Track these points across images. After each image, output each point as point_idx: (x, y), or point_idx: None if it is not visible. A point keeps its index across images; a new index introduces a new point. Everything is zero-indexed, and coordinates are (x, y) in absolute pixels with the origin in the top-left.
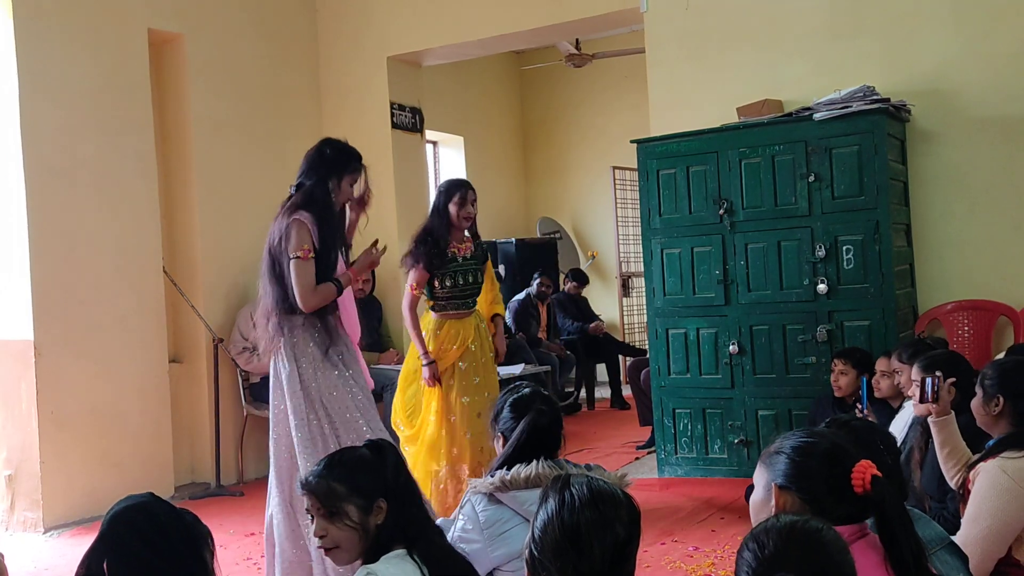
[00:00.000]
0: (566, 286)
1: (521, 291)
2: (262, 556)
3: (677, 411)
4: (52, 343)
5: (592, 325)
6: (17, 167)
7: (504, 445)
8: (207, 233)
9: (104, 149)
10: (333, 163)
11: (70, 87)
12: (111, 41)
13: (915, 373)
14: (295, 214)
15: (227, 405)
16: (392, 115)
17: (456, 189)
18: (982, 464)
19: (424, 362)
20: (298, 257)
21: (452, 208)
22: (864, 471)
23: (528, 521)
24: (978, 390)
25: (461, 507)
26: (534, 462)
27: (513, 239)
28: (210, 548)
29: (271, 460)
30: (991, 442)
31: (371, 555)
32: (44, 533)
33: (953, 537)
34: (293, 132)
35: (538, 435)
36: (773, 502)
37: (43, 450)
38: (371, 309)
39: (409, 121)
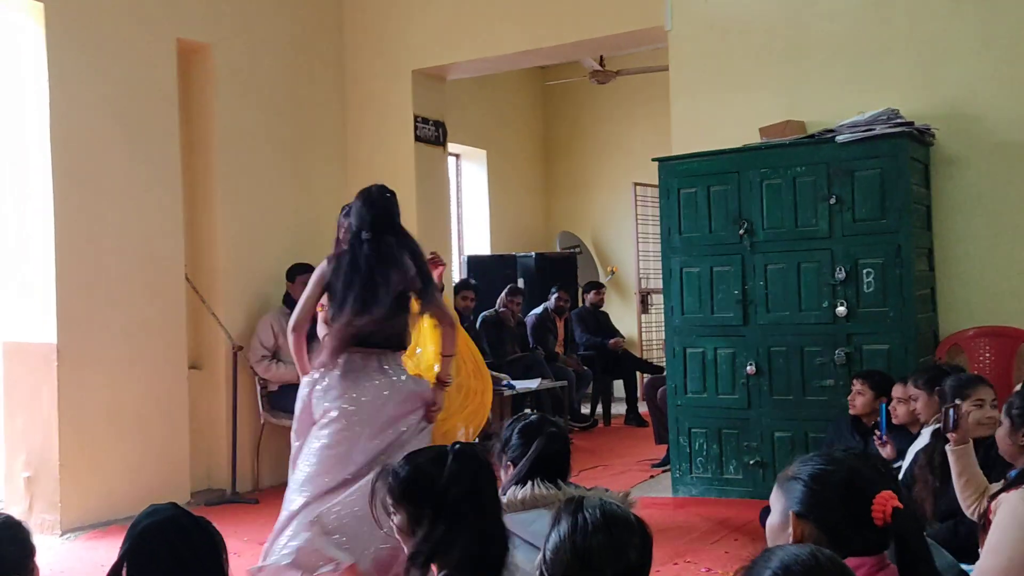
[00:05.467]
0: (586, 298)
1: (539, 305)
2: None
3: (693, 430)
4: (74, 347)
5: (612, 341)
6: (45, 173)
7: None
8: (229, 242)
9: (130, 157)
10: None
11: (99, 96)
12: (140, 50)
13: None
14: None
15: (244, 413)
16: (416, 128)
17: None
18: (1004, 495)
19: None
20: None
21: None
22: (885, 502)
23: (529, 543)
24: (1004, 419)
25: None
26: (529, 483)
27: (533, 253)
28: (224, 555)
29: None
30: (1014, 472)
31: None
32: (61, 535)
33: (969, 567)
34: (317, 144)
35: (547, 460)
36: (791, 529)
37: (62, 453)
38: None
39: (432, 134)
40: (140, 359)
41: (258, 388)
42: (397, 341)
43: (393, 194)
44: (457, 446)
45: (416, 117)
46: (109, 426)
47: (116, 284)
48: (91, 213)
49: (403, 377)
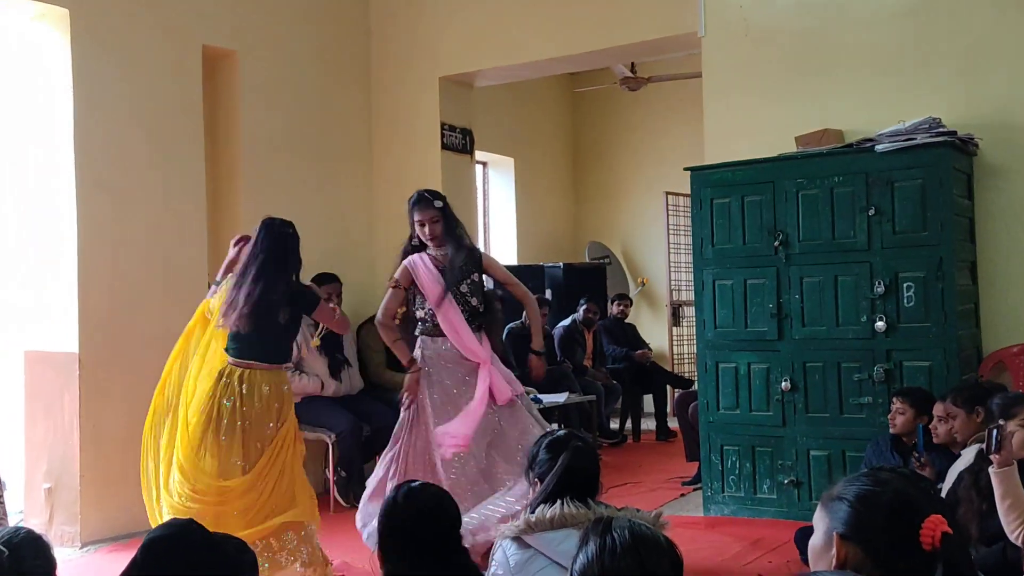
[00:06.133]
0: (613, 308)
1: (567, 317)
2: None
3: (725, 448)
4: (96, 357)
5: (639, 352)
6: (69, 181)
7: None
8: None
9: (155, 165)
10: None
11: (124, 102)
12: (166, 57)
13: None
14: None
15: None
16: (442, 135)
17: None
18: None
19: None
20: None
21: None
22: (935, 527)
23: (556, 563)
24: None
25: (492, 554)
26: (559, 502)
27: (561, 263)
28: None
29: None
30: None
31: None
32: (81, 548)
33: None
34: (343, 151)
35: (574, 475)
36: (834, 551)
37: (83, 464)
38: None
39: (459, 142)
40: (162, 368)
41: None
42: None
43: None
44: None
45: (443, 125)
46: (131, 438)
47: (139, 293)
48: (115, 221)
49: None
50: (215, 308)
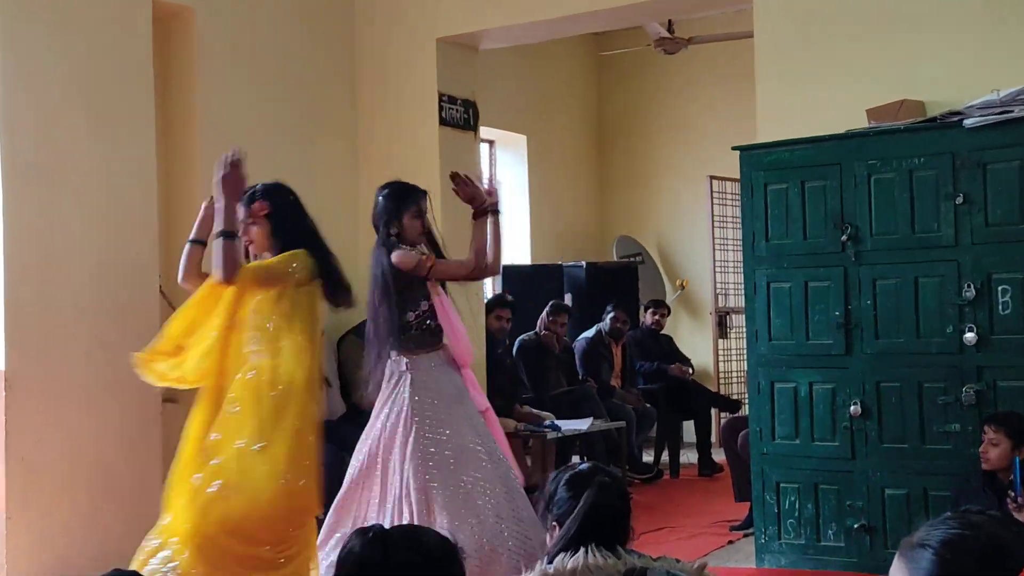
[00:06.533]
0: (644, 318)
1: (591, 327)
2: None
3: (782, 485)
4: (26, 376)
5: (674, 366)
6: None
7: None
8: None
9: (95, 146)
10: (385, 209)
11: (57, 70)
12: (108, 16)
13: None
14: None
15: None
16: (441, 109)
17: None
18: None
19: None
20: None
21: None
22: None
23: None
24: None
25: None
26: (582, 550)
27: (583, 262)
28: None
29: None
30: None
31: None
32: None
33: None
34: (322, 128)
35: (600, 517)
36: None
37: (9, 503)
38: None
39: (461, 116)
40: (105, 390)
41: None
42: None
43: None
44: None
45: (441, 96)
46: (66, 472)
47: (77, 299)
48: (47, 213)
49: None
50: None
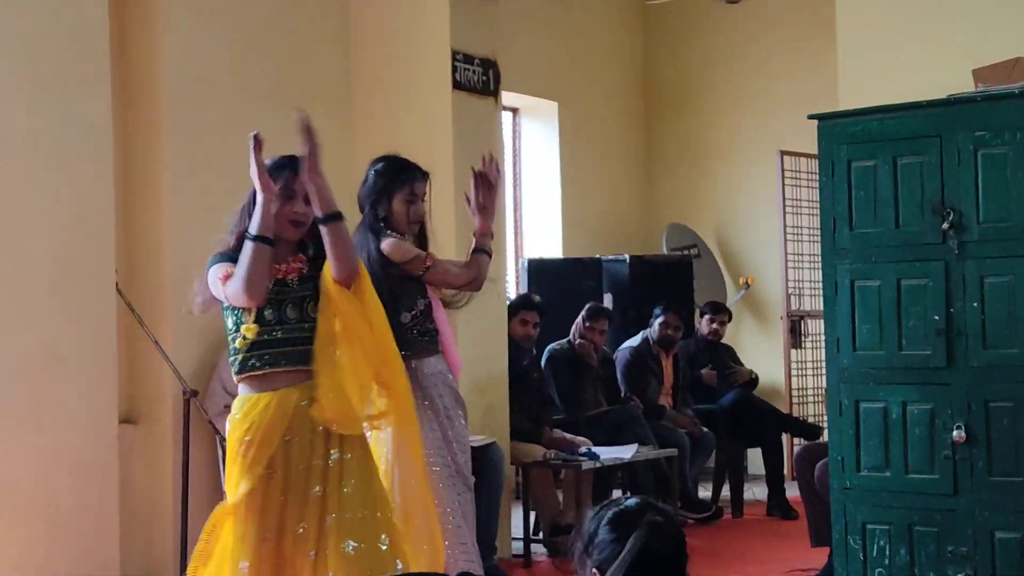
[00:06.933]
0: (700, 325)
1: (635, 334)
2: None
3: (869, 527)
4: None
5: (704, 371)
6: None
7: None
8: (180, 238)
9: (40, 117)
10: (375, 186)
11: None
12: None
13: None
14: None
15: (201, 485)
16: (454, 70)
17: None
18: None
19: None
20: None
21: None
22: None
23: None
24: None
25: None
26: None
27: (626, 256)
28: None
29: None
30: None
31: None
32: None
33: None
34: (310, 93)
35: (651, 564)
36: None
37: None
38: None
39: (479, 79)
40: (51, 408)
41: (220, 450)
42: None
43: None
44: None
45: (455, 54)
46: (8, 505)
47: (18, 299)
48: None
49: None
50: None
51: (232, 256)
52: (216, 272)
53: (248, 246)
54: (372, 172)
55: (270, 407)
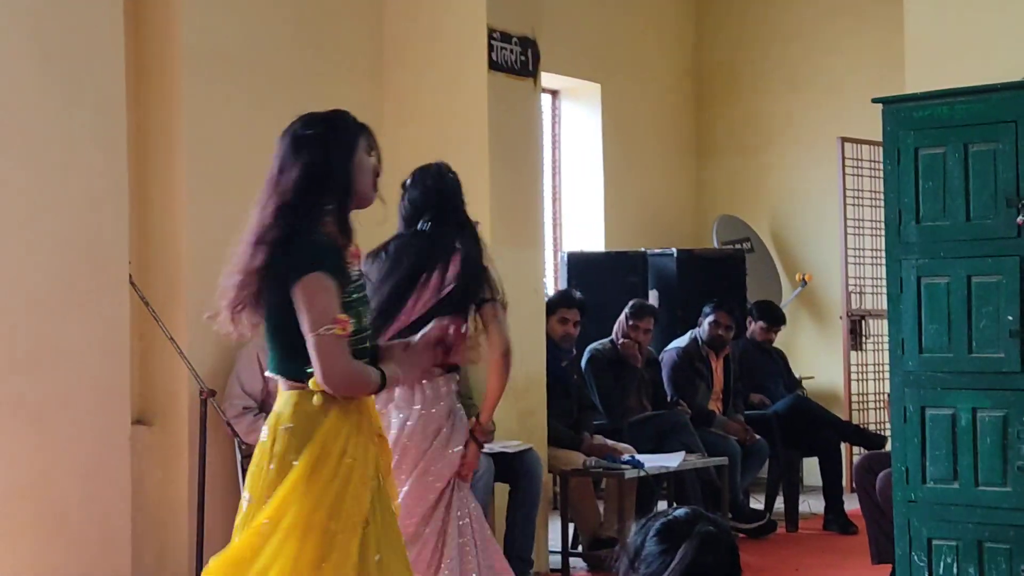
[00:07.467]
0: (752, 328)
1: (683, 334)
2: None
3: (935, 542)
4: None
5: (756, 396)
6: None
7: None
8: (198, 226)
9: (48, 101)
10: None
11: (2, 8)
12: None
13: None
14: None
15: (217, 489)
16: (491, 49)
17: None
18: None
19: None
20: None
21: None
22: None
23: None
24: None
25: None
26: None
27: (673, 250)
28: None
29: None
30: None
31: None
32: None
33: None
34: (337, 72)
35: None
36: None
37: None
38: None
39: (517, 59)
40: (61, 409)
41: (238, 454)
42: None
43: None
44: None
45: (491, 32)
46: (14, 509)
47: (25, 294)
48: None
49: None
50: None
51: (344, 267)
52: (326, 295)
53: (375, 376)
54: (450, 176)
55: None
